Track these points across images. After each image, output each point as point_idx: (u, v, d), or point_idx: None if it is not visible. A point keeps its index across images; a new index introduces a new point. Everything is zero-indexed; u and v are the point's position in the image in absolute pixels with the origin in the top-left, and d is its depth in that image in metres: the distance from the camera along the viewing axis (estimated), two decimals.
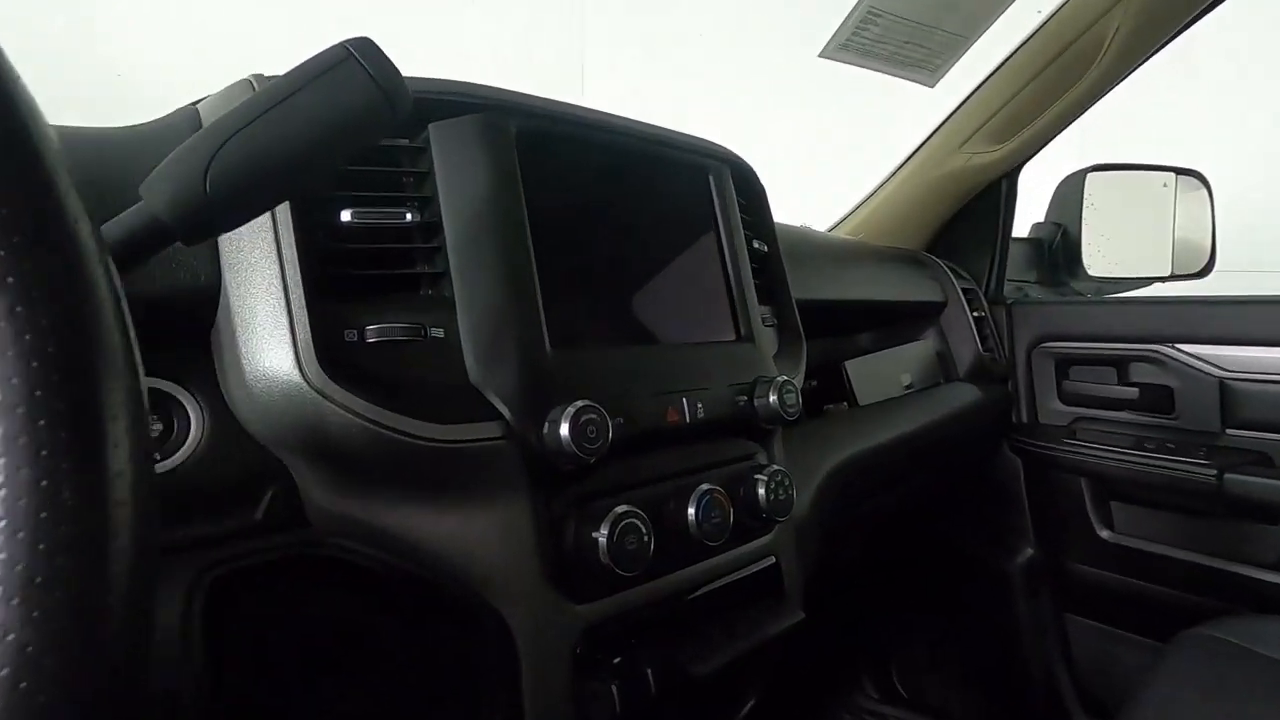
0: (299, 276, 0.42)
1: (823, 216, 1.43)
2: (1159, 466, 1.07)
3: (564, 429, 0.45)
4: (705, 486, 0.53)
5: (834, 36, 1.13)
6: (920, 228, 1.38)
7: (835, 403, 1.03)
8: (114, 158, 0.42)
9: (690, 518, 0.52)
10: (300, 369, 0.41)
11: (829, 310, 0.97)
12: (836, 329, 1.15)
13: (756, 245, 0.74)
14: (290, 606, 0.47)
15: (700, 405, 0.56)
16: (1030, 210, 1.45)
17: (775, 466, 0.60)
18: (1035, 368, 1.26)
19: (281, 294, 0.42)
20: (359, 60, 0.34)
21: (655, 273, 0.60)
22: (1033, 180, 1.38)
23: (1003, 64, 1.19)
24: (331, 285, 0.44)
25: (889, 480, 0.95)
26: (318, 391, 0.41)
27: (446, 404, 0.45)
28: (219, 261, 0.43)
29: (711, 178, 0.66)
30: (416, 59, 0.45)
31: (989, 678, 1.30)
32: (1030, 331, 1.27)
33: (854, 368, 1.02)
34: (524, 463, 0.47)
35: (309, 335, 0.42)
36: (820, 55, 1.13)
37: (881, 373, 1.08)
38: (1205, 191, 1.40)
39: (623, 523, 0.47)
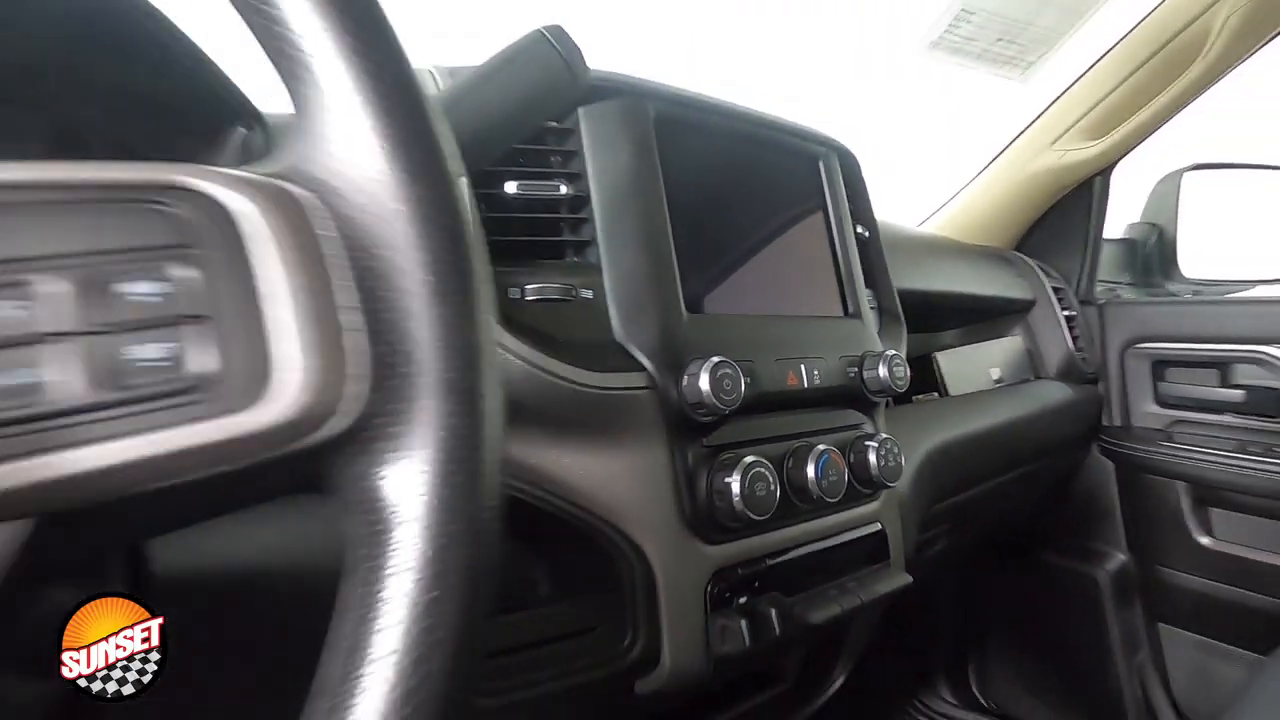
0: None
1: (907, 216, 1.43)
2: (1266, 471, 1.03)
3: (703, 381, 0.49)
4: (823, 446, 0.57)
5: (923, 34, 1.15)
6: (1008, 226, 1.37)
7: (925, 393, 1.04)
8: None
9: (810, 475, 0.55)
10: None
11: (918, 303, 0.98)
12: (924, 324, 1.15)
13: (859, 231, 0.76)
14: None
15: (816, 372, 0.60)
16: (1123, 212, 1.41)
17: (884, 435, 0.62)
18: (1129, 369, 1.23)
19: None
20: (551, 42, 0.39)
21: (771, 250, 0.64)
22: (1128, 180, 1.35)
23: (1100, 58, 1.18)
24: (495, 249, 0.49)
25: (979, 474, 0.95)
26: None
27: (595, 356, 0.50)
28: None
29: (822, 163, 0.70)
30: None
31: (1076, 689, 1.25)
32: (1123, 332, 1.24)
33: (945, 359, 1.03)
34: (663, 412, 0.51)
35: None
36: (907, 54, 1.15)
37: (971, 366, 1.08)
38: None
39: (752, 471, 0.51)
